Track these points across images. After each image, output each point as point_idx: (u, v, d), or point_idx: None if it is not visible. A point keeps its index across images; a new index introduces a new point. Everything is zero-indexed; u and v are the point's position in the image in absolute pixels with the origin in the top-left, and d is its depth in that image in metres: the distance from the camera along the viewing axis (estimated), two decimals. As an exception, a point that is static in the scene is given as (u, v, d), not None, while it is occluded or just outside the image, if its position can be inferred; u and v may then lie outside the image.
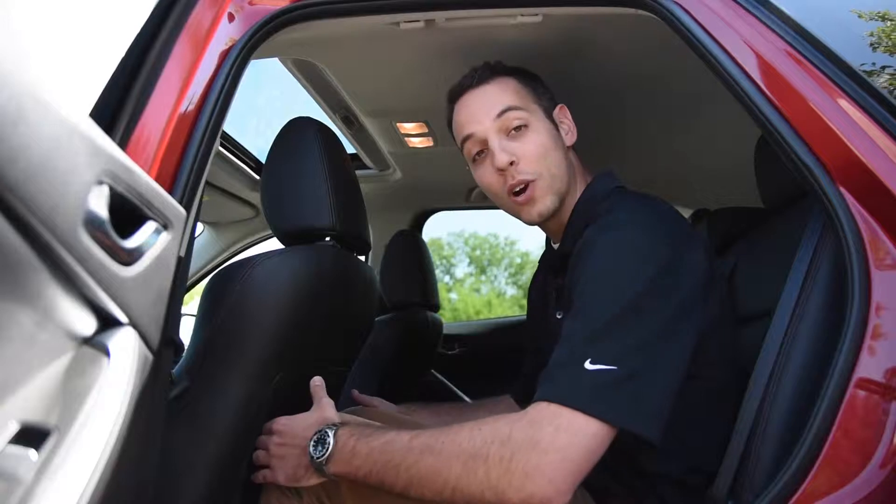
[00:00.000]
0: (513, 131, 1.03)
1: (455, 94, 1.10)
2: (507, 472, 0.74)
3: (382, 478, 0.83)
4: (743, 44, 0.85)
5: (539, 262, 1.31)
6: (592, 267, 0.87)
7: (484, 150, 1.05)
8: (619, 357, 0.78)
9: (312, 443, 0.91)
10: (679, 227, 0.93)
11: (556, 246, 1.12)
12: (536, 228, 1.11)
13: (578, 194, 1.07)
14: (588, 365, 0.77)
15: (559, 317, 1.06)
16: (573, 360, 0.79)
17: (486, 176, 1.06)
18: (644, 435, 0.77)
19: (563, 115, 1.11)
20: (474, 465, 0.76)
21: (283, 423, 0.97)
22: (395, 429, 0.87)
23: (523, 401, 1.32)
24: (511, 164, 1.01)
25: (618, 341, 0.79)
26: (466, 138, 1.06)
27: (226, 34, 0.90)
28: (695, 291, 0.86)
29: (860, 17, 0.92)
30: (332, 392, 1.35)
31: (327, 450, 0.88)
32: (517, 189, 1.02)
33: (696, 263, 0.88)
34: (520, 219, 1.08)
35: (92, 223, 0.52)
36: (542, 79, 1.13)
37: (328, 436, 0.89)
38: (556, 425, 0.75)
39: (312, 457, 0.89)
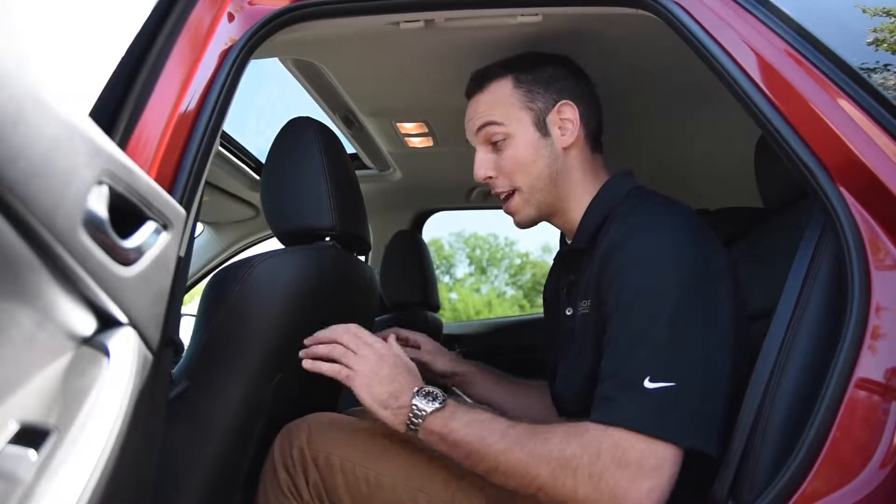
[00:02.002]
0: (494, 146, 1.07)
1: (466, 95, 1.14)
2: (595, 490, 0.78)
3: (470, 452, 0.85)
4: (743, 44, 0.85)
5: (554, 258, 1.31)
6: (628, 277, 0.88)
7: None
8: (675, 372, 0.80)
9: (422, 395, 0.90)
10: (702, 228, 0.94)
11: (570, 242, 1.12)
12: (535, 230, 1.13)
13: (588, 193, 1.06)
14: (647, 383, 0.80)
15: (568, 313, 1.07)
16: (632, 380, 0.81)
17: None
18: (708, 451, 0.80)
19: (564, 112, 1.07)
20: (563, 474, 0.79)
21: (382, 344, 0.96)
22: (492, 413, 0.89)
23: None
24: (490, 177, 1.07)
25: (671, 355, 0.82)
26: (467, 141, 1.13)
27: (226, 34, 0.90)
28: (726, 293, 0.88)
29: (864, 11, 0.92)
30: (333, 392, 1.35)
31: (436, 404, 0.88)
32: (501, 197, 1.08)
33: (722, 264, 0.91)
34: None
35: (92, 223, 0.52)
36: (550, 68, 1.09)
37: (439, 395, 0.90)
38: (639, 451, 0.78)
39: (417, 406, 0.88)
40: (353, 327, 0.97)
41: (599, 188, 1.06)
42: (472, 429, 0.86)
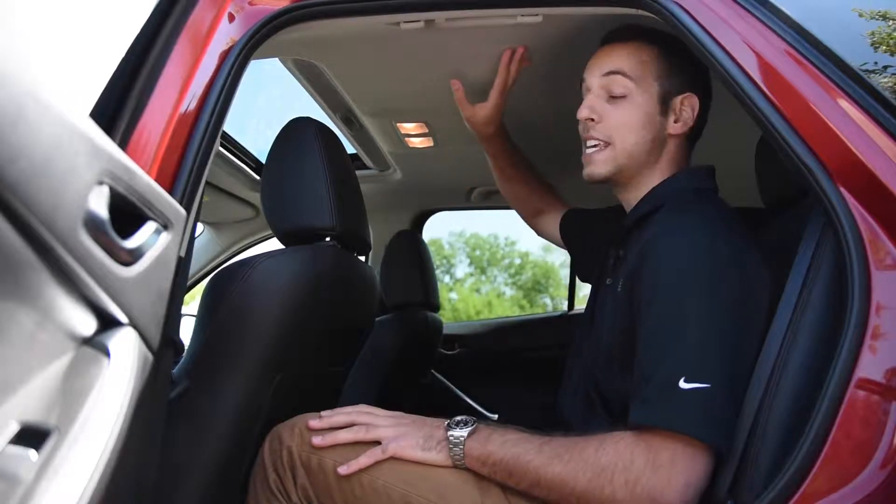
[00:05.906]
0: (611, 97, 1.04)
1: (602, 40, 1.11)
2: (632, 495, 0.81)
3: (511, 469, 0.89)
4: (743, 44, 0.85)
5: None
6: (663, 275, 0.89)
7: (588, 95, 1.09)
8: (710, 373, 0.82)
9: (453, 425, 0.94)
10: (745, 232, 0.95)
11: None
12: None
13: (658, 179, 1.06)
14: (683, 384, 0.81)
15: (608, 283, 1.08)
16: (668, 380, 0.83)
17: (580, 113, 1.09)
18: (724, 450, 0.82)
19: (685, 104, 1.05)
20: (600, 482, 0.83)
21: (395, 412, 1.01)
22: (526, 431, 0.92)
23: None
24: (591, 119, 1.04)
25: (706, 356, 0.83)
26: (582, 80, 1.10)
27: (226, 34, 0.90)
28: (761, 297, 0.89)
29: (861, 15, 0.92)
30: (333, 393, 1.35)
31: (469, 427, 0.93)
32: (588, 144, 1.06)
33: (759, 270, 0.91)
34: None
35: (92, 223, 0.52)
36: (696, 62, 1.02)
37: (468, 419, 0.95)
38: (671, 450, 0.81)
39: (453, 436, 0.93)
40: (363, 407, 1.01)
41: (667, 178, 1.06)
42: (508, 448, 0.89)
